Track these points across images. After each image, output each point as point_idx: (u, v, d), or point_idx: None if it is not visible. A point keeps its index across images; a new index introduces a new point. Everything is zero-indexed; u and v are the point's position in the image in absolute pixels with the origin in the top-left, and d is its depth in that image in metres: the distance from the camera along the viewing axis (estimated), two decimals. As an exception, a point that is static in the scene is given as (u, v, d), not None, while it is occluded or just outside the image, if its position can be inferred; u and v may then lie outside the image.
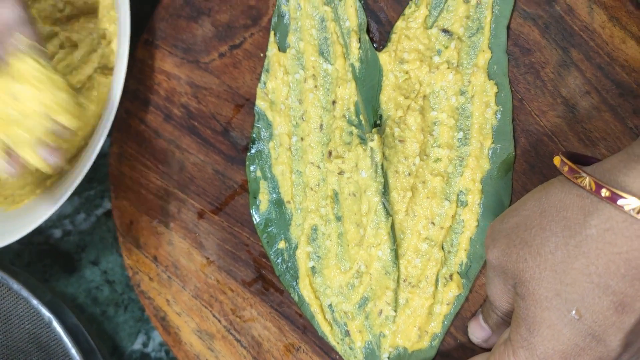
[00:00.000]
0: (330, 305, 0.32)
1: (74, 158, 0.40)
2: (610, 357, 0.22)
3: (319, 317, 0.32)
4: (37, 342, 0.42)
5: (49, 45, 0.41)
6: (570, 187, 0.22)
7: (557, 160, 0.24)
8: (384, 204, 0.31)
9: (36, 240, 0.44)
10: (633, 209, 0.20)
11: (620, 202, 0.20)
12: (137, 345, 0.41)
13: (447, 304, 0.31)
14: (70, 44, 0.41)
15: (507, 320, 0.27)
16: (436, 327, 0.31)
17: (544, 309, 0.22)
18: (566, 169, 0.23)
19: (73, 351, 0.36)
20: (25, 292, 0.36)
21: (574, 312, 0.22)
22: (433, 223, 0.31)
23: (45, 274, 0.43)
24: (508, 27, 0.30)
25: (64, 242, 0.43)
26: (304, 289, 0.33)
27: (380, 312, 0.31)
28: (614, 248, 0.21)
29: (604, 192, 0.21)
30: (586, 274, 0.21)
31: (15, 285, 0.36)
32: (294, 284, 0.33)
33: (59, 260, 0.43)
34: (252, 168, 0.34)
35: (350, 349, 0.32)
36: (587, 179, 0.21)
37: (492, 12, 0.30)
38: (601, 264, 0.21)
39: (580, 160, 0.26)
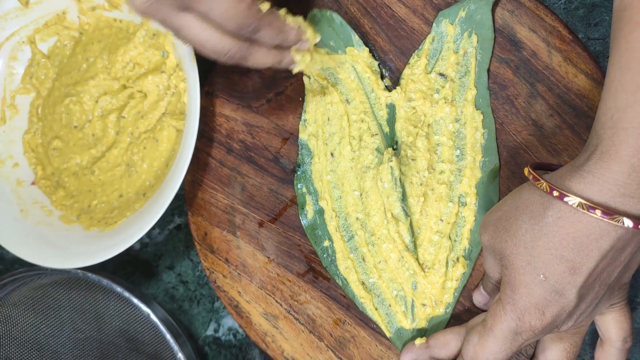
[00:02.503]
0: (364, 282, 0.41)
1: (152, 186, 0.49)
2: (570, 306, 0.30)
3: (359, 293, 0.41)
4: (127, 336, 0.51)
5: (121, 96, 0.48)
6: (534, 190, 0.31)
7: (526, 171, 0.32)
8: (403, 207, 0.40)
9: (119, 253, 0.52)
10: (574, 204, 0.28)
11: (566, 199, 0.29)
12: (210, 332, 0.50)
13: (456, 280, 0.39)
14: (140, 95, 0.48)
15: (499, 287, 0.35)
16: (449, 298, 0.40)
17: (520, 274, 0.30)
18: (531, 177, 0.31)
19: (168, 336, 0.45)
20: (127, 294, 0.45)
21: (541, 275, 0.30)
22: (441, 220, 0.40)
23: (128, 280, 0.51)
24: (488, 70, 0.39)
25: (143, 253, 0.51)
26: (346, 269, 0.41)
27: (402, 292, 0.41)
28: (564, 230, 0.29)
29: (555, 193, 0.29)
30: (547, 248, 0.29)
31: (119, 289, 0.46)
32: (338, 272, 0.42)
33: (139, 267, 0.52)
34: (299, 186, 0.43)
35: (390, 307, 0.40)
36: (544, 184, 0.30)
37: (476, 59, 0.39)
38: (557, 241, 0.29)
39: (548, 168, 0.35)
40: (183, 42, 0.33)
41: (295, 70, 0.37)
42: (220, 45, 0.31)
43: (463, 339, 0.36)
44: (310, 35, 0.36)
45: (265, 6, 0.32)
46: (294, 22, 0.35)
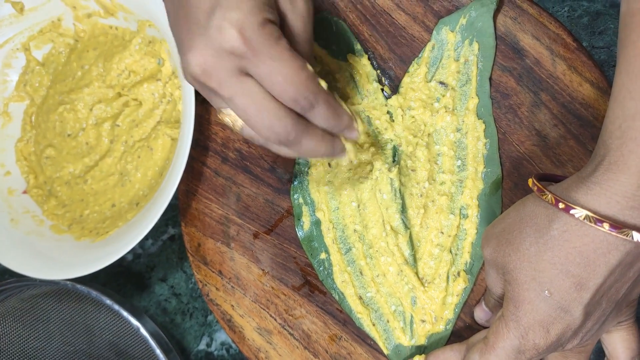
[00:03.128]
0: (362, 297, 0.40)
1: (146, 196, 0.48)
2: (576, 324, 0.29)
3: (356, 308, 0.40)
4: (117, 349, 0.50)
5: (115, 104, 0.48)
6: (539, 202, 0.30)
7: (530, 182, 0.31)
8: (402, 219, 0.39)
9: (111, 264, 0.52)
10: (581, 217, 0.28)
11: (572, 212, 0.28)
12: (202, 346, 0.49)
13: (457, 295, 0.38)
14: (135, 103, 0.48)
15: (501, 303, 0.34)
16: (449, 314, 0.39)
17: (524, 290, 0.29)
18: (535, 188, 0.30)
19: (158, 351, 0.44)
20: (116, 306, 0.44)
21: (546, 291, 0.29)
22: (442, 232, 0.39)
23: (120, 292, 0.51)
24: (490, 78, 0.38)
25: (135, 264, 0.51)
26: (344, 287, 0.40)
27: (400, 305, 0.39)
28: (571, 244, 0.28)
29: (561, 205, 0.28)
30: (552, 263, 0.28)
31: (108, 301, 0.44)
32: (334, 286, 0.41)
33: (132, 279, 0.51)
34: (295, 196, 0.42)
35: (388, 323, 0.39)
36: (550, 195, 0.29)
37: (477, 67, 0.39)
38: (562, 256, 0.28)
39: (552, 179, 0.34)
40: (229, 121, 0.31)
41: (345, 161, 0.34)
42: (276, 118, 0.29)
43: (464, 356, 0.35)
44: (360, 126, 0.34)
45: (324, 84, 0.31)
46: (346, 108, 0.33)
